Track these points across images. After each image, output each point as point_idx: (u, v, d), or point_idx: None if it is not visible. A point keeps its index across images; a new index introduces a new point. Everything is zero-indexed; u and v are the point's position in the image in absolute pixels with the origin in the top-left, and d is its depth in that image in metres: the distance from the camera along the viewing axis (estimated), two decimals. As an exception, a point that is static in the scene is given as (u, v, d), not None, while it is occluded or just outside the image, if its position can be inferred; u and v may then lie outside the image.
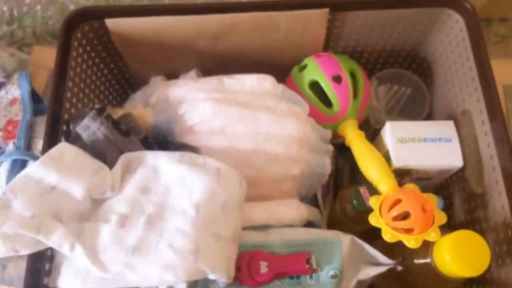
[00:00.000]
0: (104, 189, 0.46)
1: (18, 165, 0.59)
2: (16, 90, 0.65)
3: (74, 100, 0.53)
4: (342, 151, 0.64)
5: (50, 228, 0.42)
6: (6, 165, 0.59)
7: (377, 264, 0.49)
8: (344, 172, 0.67)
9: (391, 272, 0.48)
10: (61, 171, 0.44)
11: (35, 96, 0.68)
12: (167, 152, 0.48)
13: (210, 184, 0.45)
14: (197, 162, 0.47)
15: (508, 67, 0.78)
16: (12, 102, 0.65)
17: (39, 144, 0.61)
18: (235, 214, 0.46)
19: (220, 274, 0.42)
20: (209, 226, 0.43)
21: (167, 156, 0.47)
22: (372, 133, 0.63)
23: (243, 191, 0.48)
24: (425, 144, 0.52)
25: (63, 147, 0.46)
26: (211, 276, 0.42)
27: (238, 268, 0.46)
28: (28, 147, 0.61)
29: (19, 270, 0.65)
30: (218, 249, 0.43)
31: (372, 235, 0.54)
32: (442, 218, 0.46)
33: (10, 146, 0.60)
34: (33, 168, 0.44)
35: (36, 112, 0.65)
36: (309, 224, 0.54)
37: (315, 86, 0.57)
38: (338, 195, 0.55)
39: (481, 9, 0.80)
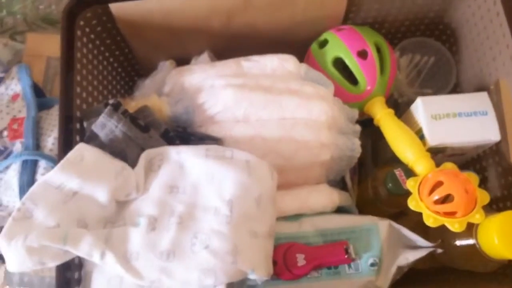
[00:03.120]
0: (129, 191, 0.43)
1: (28, 166, 0.55)
2: (16, 85, 0.61)
3: (84, 94, 0.49)
4: (362, 127, 0.61)
5: (77, 237, 0.39)
6: (16, 166, 0.55)
7: (416, 247, 0.47)
8: (366, 149, 0.65)
9: (433, 253, 0.46)
10: (83, 175, 0.41)
11: (36, 89, 0.64)
12: (192, 147, 0.45)
13: (241, 178, 0.42)
14: (224, 155, 0.44)
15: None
16: (14, 98, 0.61)
17: (47, 141, 0.58)
18: (269, 208, 0.44)
19: (260, 273, 0.40)
20: (245, 224, 0.41)
21: (192, 151, 0.44)
22: (394, 107, 0.60)
23: (274, 183, 0.45)
24: (460, 119, 0.49)
25: (81, 150, 0.43)
26: (252, 276, 0.40)
27: (274, 262, 0.44)
28: (37, 145, 0.57)
29: (38, 271, 0.63)
30: (256, 247, 0.41)
31: (400, 216, 0.52)
32: (485, 198, 0.44)
33: (18, 146, 0.57)
34: (52, 175, 0.41)
35: (40, 106, 0.61)
36: (339, 209, 0.52)
37: (339, 63, 0.54)
38: (371, 176, 0.53)
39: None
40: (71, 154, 0.42)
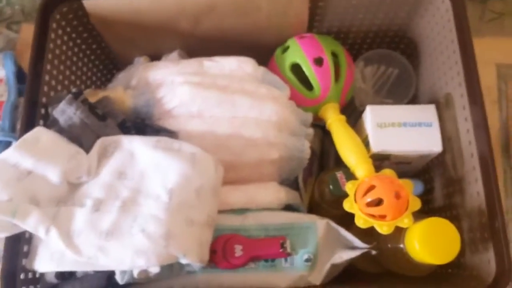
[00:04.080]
0: (80, 174, 0.46)
1: (2, 146, 0.59)
2: (1, 71, 0.65)
3: (53, 82, 0.53)
4: (328, 133, 0.64)
5: (26, 211, 0.42)
6: (-9, 146, 0.59)
7: (353, 248, 0.50)
8: (330, 154, 0.67)
9: (369, 254, 0.48)
10: (37, 156, 0.44)
11: (22, 76, 0.68)
12: (143, 137, 0.48)
13: (184, 169, 0.45)
14: (172, 147, 0.47)
15: (502, 45, 0.76)
16: (-3, 82, 0.65)
17: (24, 125, 0.61)
18: (209, 199, 0.47)
19: (191, 258, 0.43)
20: (182, 212, 0.44)
21: (143, 141, 0.47)
22: (358, 116, 0.63)
23: (218, 176, 0.48)
24: (404, 129, 0.51)
25: (38, 132, 0.46)
26: (183, 260, 0.43)
27: (213, 251, 0.47)
28: (13, 128, 0.61)
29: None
30: (190, 234, 0.44)
31: (351, 219, 0.55)
32: (416, 205, 0.46)
33: (-5, 127, 0.61)
34: (9, 153, 0.44)
35: (22, 92, 0.65)
36: (289, 207, 0.54)
37: (297, 69, 0.56)
38: (318, 179, 0.56)
39: (478, -15, 0.78)
40: (27, 135, 0.45)
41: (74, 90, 0.49)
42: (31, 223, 0.42)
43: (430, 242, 0.43)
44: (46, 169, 0.45)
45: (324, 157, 0.67)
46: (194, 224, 0.44)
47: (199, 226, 0.45)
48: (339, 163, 0.67)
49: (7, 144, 0.60)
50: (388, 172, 0.49)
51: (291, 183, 0.58)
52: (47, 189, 0.45)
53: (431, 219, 0.44)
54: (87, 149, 0.48)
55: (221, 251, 0.48)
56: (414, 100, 0.62)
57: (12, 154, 0.44)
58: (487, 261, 0.45)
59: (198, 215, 0.45)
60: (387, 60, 0.64)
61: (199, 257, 0.44)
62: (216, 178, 0.48)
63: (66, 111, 0.47)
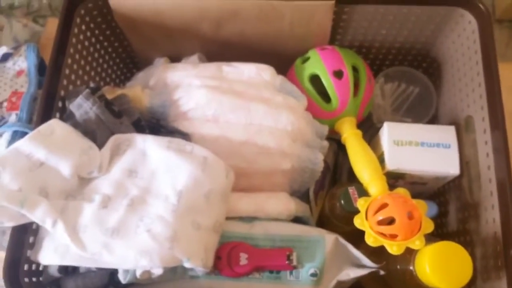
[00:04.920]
0: (92, 169, 0.46)
1: (18, 137, 0.60)
2: (23, 62, 0.66)
3: (73, 77, 0.53)
4: (343, 147, 0.63)
5: (34, 202, 0.42)
6: (7, 136, 0.60)
7: (360, 266, 0.48)
8: (343, 169, 0.66)
9: (377, 274, 0.47)
10: (50, 148, 0.45)
11: (43, 69, 0.69)
12: (157, 137, 0.48)
13: (195, 172, 0.45)
14: (184, 149, 0.46)
15: (528, 72, 0.74)
16: (19, 73, 0.66)
17: (41, 117, 0.62)
18: (218, 205, 0.46)
19: (195, 263, 0.42)
20: (190, 215, 0.44)
21: (156, 141, 0.47)
22: (375, 132, 0.62)
23: (229, 182, 0.47)
24: (422, 149, 0.50)
25: (53, 124, 0.46)
26: (187, 264, 0.42)
27: (218, 257, 0.46)
28: (30, 119, 0.62)
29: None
30: (196, 238, 0.43)
31: (361, 236, 0.53)
32: (429, 227, 0.45)
33: (13, 117, 0.62)
34: (23, 143, 0.45)
35: (43, 84, 0.66)
36: (297, 220, 0.53)
37: (316, 80, 0.56)
38: (329, 193, 0.55)
39: (506, 9, 0.77)
40: (42, 127, 0.45)
41: (92, 85, 0.49)
42: (38, 215, 0.42)
43: (441, 266, 0.41)
44: (58, 162, 0.45)
45: (337, 171, 0.66)
46: (201, 228, 0.44)
47: (205, 230, 0.44)
48: (352, 178, 0.67)
49: (24, 135, 0.60)
50: (402, 191, 0.48)
51: (301, 195, 0.57)
52: (58, 181, 0.45)
53: (444, 243, 0.42)
54: (101, 145, 0.48)
55: (226, 258, 0.47)
56: (433, 121, 0.61)
57: (25, 144, 0.45)
58: (499, 291, 0.43)
59: (205, 220, 0.45)
60: (408, 78, 0.63)
61: (203, 262, 0.43)
62: (226, 183, 0.47)
63: (82, 106, 0.47)
